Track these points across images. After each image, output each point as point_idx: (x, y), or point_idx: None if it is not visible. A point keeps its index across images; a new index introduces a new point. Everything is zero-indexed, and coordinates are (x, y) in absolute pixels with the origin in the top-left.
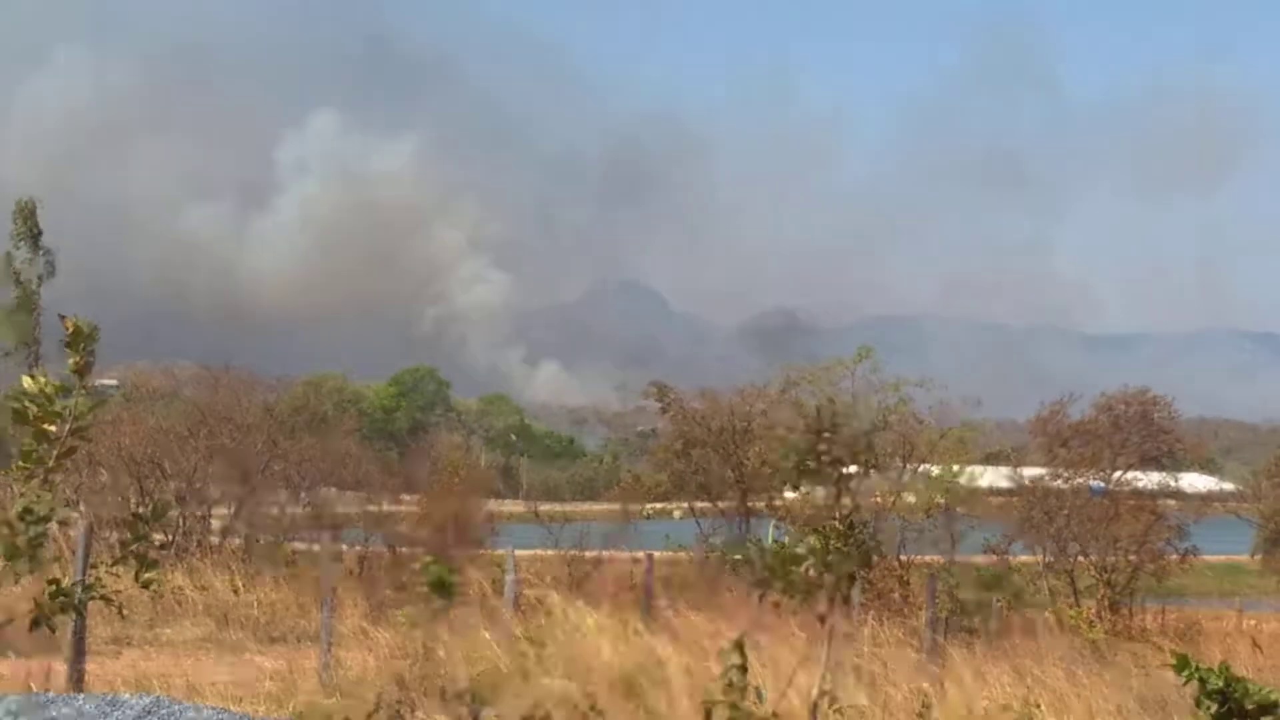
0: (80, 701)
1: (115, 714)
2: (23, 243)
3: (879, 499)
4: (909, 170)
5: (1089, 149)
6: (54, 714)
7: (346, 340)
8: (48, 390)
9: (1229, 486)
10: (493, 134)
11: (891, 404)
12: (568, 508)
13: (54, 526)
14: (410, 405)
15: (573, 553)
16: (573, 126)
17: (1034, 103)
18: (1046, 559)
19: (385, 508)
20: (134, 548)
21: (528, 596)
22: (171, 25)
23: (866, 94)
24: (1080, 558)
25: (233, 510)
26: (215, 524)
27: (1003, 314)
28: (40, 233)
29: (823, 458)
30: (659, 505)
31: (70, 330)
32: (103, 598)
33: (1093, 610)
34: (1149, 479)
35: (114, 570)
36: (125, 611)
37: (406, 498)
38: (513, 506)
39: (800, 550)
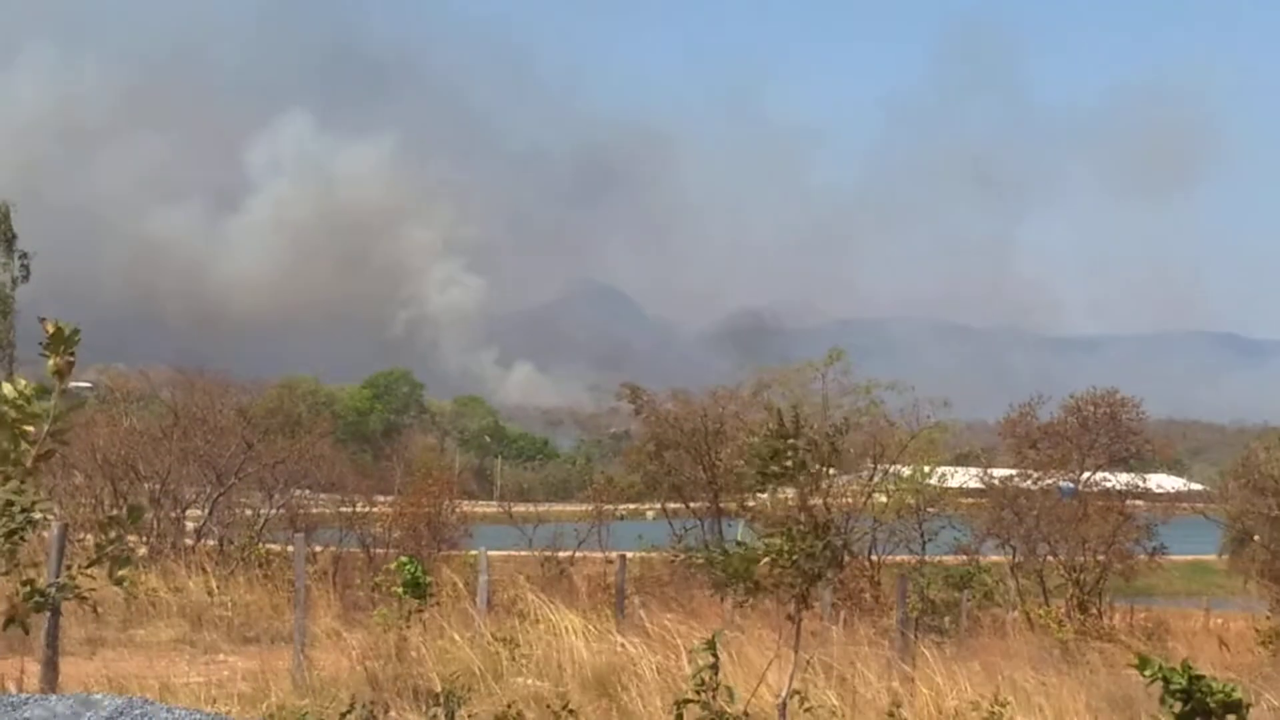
0: (53, 702)
1: (88, 715)
2: None
3: (850, 499)
4: (877, 173)
5: (1055, 152)
6: (27, 715)
7: (319, 342)
8: (26, 393)
9: (1197, 487)
10: (465, 136)
11: (863, 406)
12: (541, 509)
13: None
14: (384, 407)
15: (546, 553)
16: (545, 129)
17: (1001, 106)
18: (1016, 559)
19: (359, 509)
20: (109, 550)
21: (501, 597)
22: (141, 26)
23: (836, 97)
24: (1050, 558)
25: (207, 512)
26: (189, 526)
27: (969, 316)
28: (15, 236)
29: (788, 461)
30: (632, 506)
31: (50, 333)
32: (77, 597)
33: (1062, 610)
34: (1117, 480)
35: (88, 571)
36: (100, 610)
37: (380, 499)
38: (486, 508)
39: (764, 551)
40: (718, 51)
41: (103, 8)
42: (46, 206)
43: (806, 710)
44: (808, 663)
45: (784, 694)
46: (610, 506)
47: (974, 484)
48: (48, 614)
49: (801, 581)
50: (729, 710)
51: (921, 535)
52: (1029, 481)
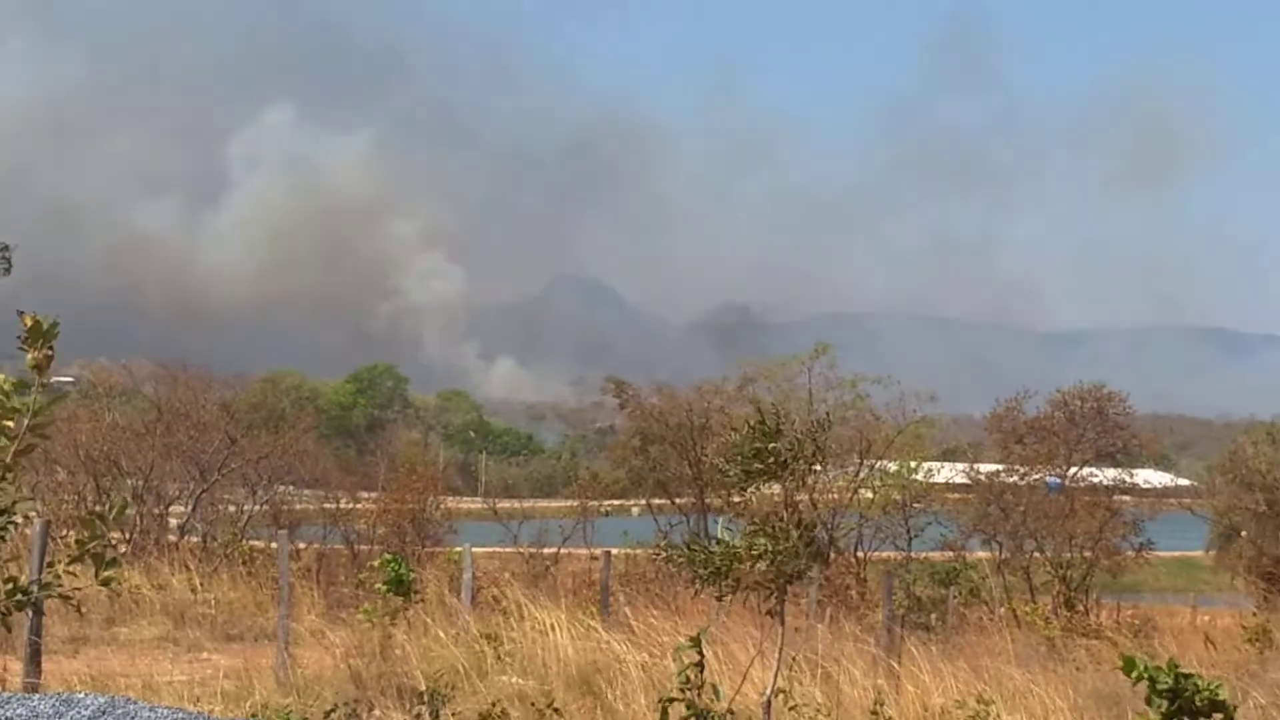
0: (35, 701)
1: (70, 713)
2: None
3: (836, 495)
4: (864, 167)
5: (1043, 146)
6: (9, 714)
7: (301, 335)
8: (5, 387)
9: (1184, 482)
10: (448, 130)
11: (848, 401)
12: (526, 505)
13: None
14: (368, 402)
15: (531, 550)
16: (529, 123)
17: (988, 101)
18: (1002, 555)
19: (343, 505)
20: (91, 547)
21: (486, 594)
22: (124, 19)
23: (822, 91)
24: (1036, 554)
25: (190, 508)
26: (173, 522)
27: (956, 311)
28: None
29: (770, 458)
30: (617, 502)
31: (29, 326)
32: (60, 596)
33: (1048, 606)
34: (1104, 475)
35: (71, 569)
36: (83, 609)
37: (364, 495)
38: (471, 504)
39: (746, 549)
40: (704, 45)
41: (85, 1)
42: (27, 199)
43: (791, 708)
44: (793, 660)
45: (769, 691)
46: (595, 503)
47: (960, 479)
48: (30, 612)
49: (784, 579)
50: (714, 708)
51: (908, 531)
52: (1015, 477)
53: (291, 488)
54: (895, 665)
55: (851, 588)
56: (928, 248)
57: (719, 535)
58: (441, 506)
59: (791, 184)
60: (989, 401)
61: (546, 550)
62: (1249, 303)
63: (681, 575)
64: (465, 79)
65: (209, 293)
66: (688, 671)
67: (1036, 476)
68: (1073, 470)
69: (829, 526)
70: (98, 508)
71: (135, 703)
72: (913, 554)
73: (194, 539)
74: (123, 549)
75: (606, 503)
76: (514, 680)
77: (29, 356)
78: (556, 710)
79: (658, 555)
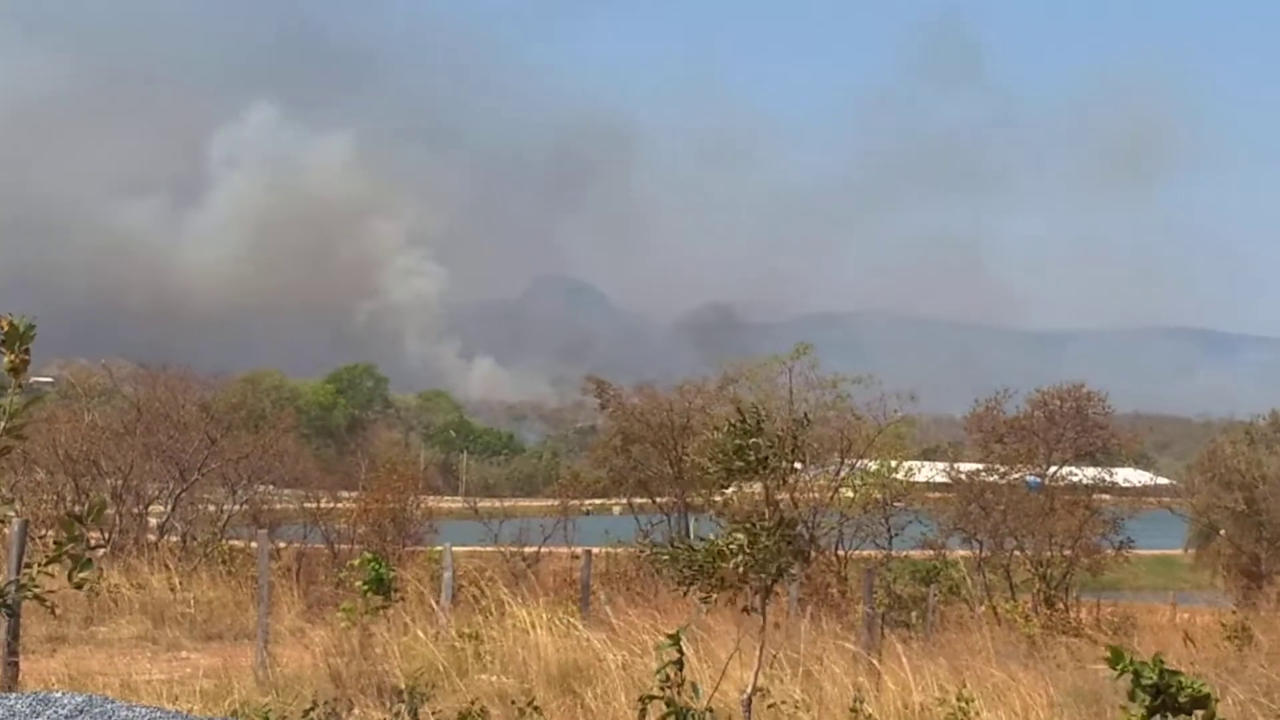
0: (12, 701)
1: (48, 713)
2: None
3: (817, 494)
4: (846, 167)
5: (1025, 148)
6: None
7: (282, 335)
8: None
9: (1163, 481)
10: (431, 129)
11: (829, 400)
12: (507, 504)
13: None
14: (348, 402)
15: (512, 549)
16: (512, 122)
17: (972, 100)
18: (983, 554)
19: (323, 504)
20: (69, 548)
21: (466, 593)
22: (105, 17)
23: (806, 90)
24: (1016, 552)
25: (170, 508)
26: (152, 521)
27: (938, 311)
28: None
29: (750, 456)
30: (598, 501)
31: (5, 328)
32: (36, 597)
33: (1028, 604)
34: (1084, 474)
35: (48, 570)
36: (59, 611)
37: (344, 495)
38: (451, 503)
39: (729, 546)
40: (687, 45)
41: (66, 1)
42: (7, 199)
43: (771, 706)
44: (774, 658)
45: (749, 689)
46: (576, 502)
47: (941, 478)
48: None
49: (765, 577)
50: (693, 706)
51: (888, 530)
52: (996, 476)
53: (271, 487)
54: (876, 663)
55: (832, 586)
56: (911, 248)
57: (695, 534)
58: (422, 506)
59: (775, 183)
60: (970, 401)
61: (527, 549)
62: (1232, 303)
63: (663, 574)
64: (448, 79)
65: (190, 292)
66: (667, 670)
67: (1016, 475)
68: (1052, 469)
69: (810, 525)
70: (76, 508)
71: (113, 702)
72: (893, 552)
73: (173, 538)
74: (101, 550)
75: (587, 502)
76: (494, 679)
77: (4, 360)
78: (536, 708)
79: (640, 554)
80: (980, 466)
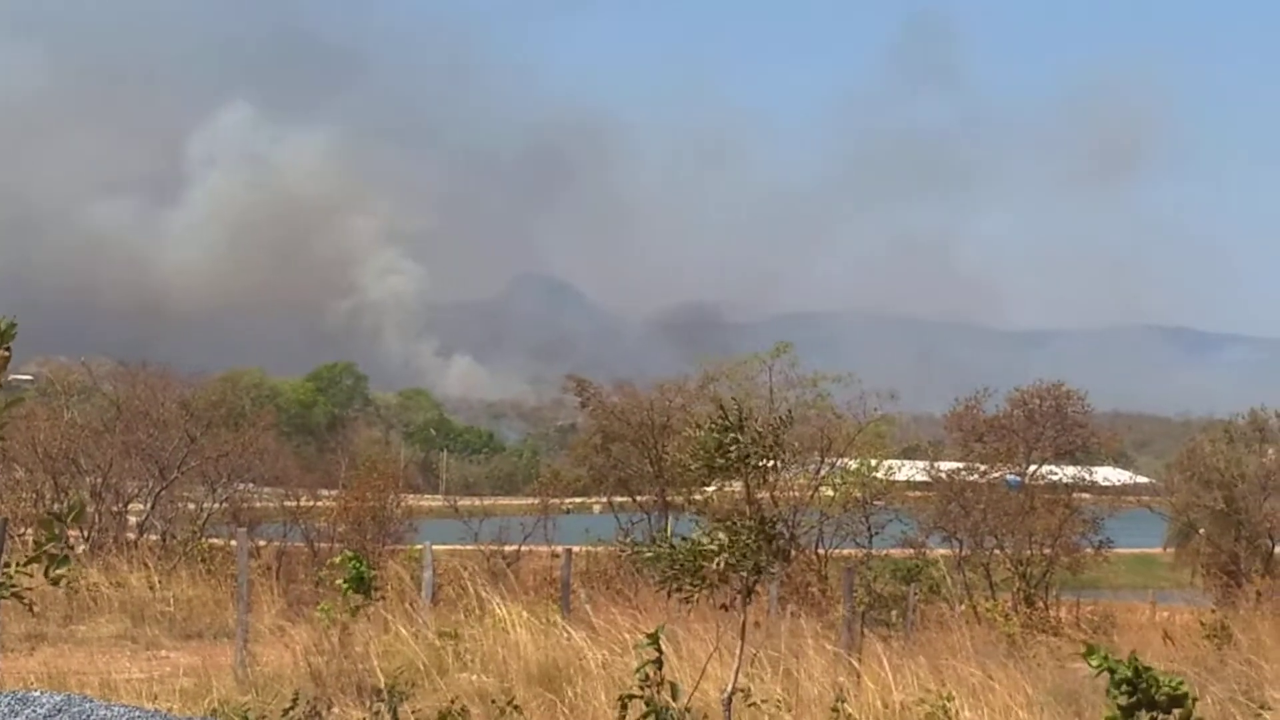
0: None
1: (26, 712)
2: None
3: (797, 493)
4: (825, 167)
5: (1003, 147)
6: None
7: (260, 333)
8: None
9: (1143, 480)
10: (409, 128)
11: (809, 399)
12: (487, 502)
13: None
14: (328, 400)
15: (492, 547)
16: (491, 121)
17: (950, 100)
18: (963, 552)
19: (303, 503)
20: (48, 547)
21: (447, 592)
22: (80, 16)
23: (784, 92)
24: (996, 551)
25: (149, 506)
26: (131, 520)
27: (918, 310)
28: None
29: (732, 453)
30: (578, 500)
31: None
32: (15, 595)
33: (1008, 603)
34: (1064, 473)
35: (27, 569)
36: (37, 609)
37: (324, 493)
38: (431, 502)
39: (710, 545)
40: (666, 44)
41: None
42: None
43: (751, 705)
44: (754, 657)
45: (729, 688)
46: (556, 500)
47: (921, 477)
48: None
49: (746, 576)
50: (673, 705)
51: (868, 528)
52: (975, 475)
53: (251, 486)
54: (855, 662)
55: (812, 585)
56: (890, 247)
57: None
58: (402, 504)
59: (754, 183)
60: (950, 400)
61: (508, 548)
62: (1211, 302)
63: (644, 573)
64: (427, 76)
65: (168, 290)
66: (646, 669)
67: (996, 474)
68: (1032, 468)
69: (790, 523)
70: (56, 506)
71: (91, 701)
72: (873, 551)
73: (153, 537)
74: (81, 547)
75: (568, 500)
76: (474, 677)
77: None
78: (516, 707)
79: (621, 553)
80: (960, 465)
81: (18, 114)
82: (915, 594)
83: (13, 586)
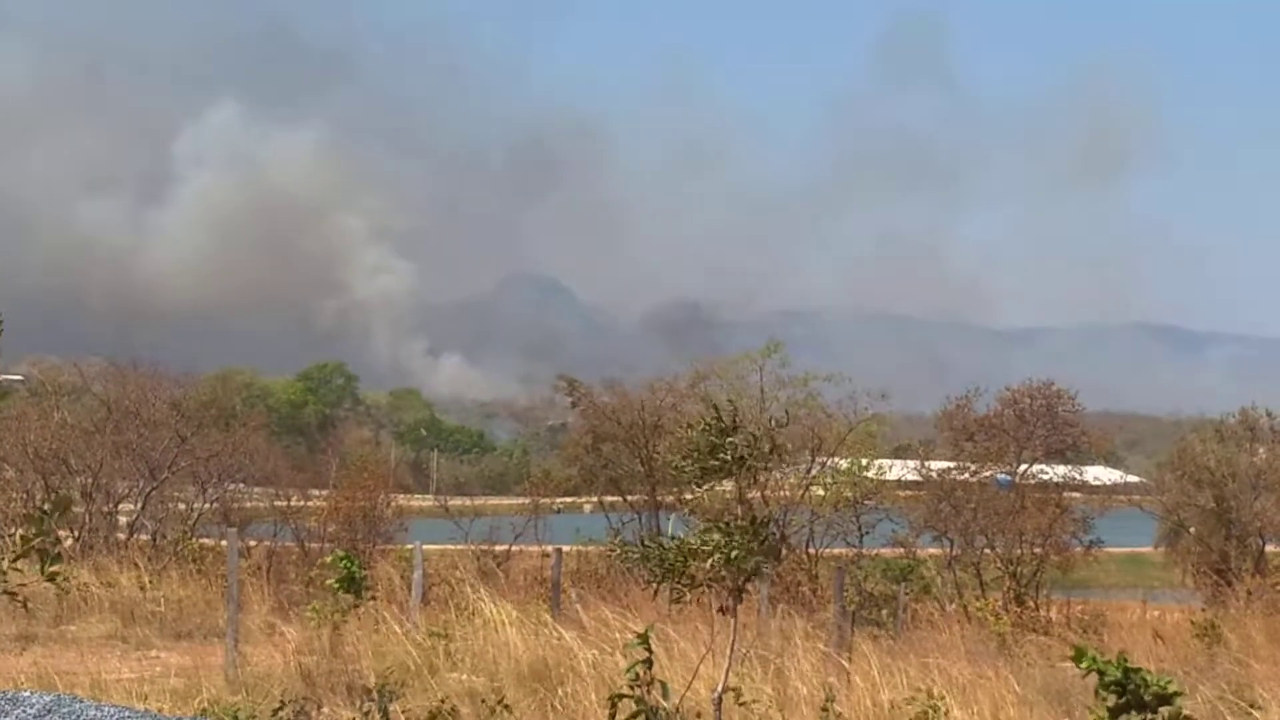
0: None
1: (16, 712)
2: None
3: (787, 492)
4: (815, 165)
5: (992, 145)
6: None
7: (249, 332)
8: None
9: (1133, 479)
10: (399, 127)
11: (800, 398)
12: (478, 502)
13: None
14: (318, 400)
15: (482, 547)
16: (481, 120)
17: (939, 98)
18: (953, 552)
19: (294, 503)
20: (36, 543)
21: (437, 591)
22: (67, 14)
23: (774, 90)
24: (987, 550)
25: (140, 506)
26: (122, 520)
27: (908, 308)
28: None
29: (725, 455)
30: (569, 499)
31: None
32: (6, 593)
33: (999, 603)
34: (1054, 472)
35: (17, 566)
36: (29, 606)
37: (315, 493)
38: (422, 501)
39: (702, 545)
40: (655, 43)
41: None
42: None
43: (742, 704)
44: (744, 656)
45: (719, 688)
46: (547, 500)
47: (911, 477)
48: None
49: (742, 576)
50: (663, 705)
51: (859, 528)
52: (966, 474)
53: (242, 485)
54: (846, 662)
55: (803, 584)
56: (880, 245)
57: (670, 533)
58: (393, 504)
59: (744, 181)
60: (940, 399)
61: (498, 547)
62: (1199, 300)
63: (634, 573)
64: (416, 75)
65: (156, 289)
66: (636, 669)
67: (987, 474)
68: (1023, 467)
69: (781, 523)
70: (46, 506)
71: (81, 701)
72: (864, 550)
73: (143, 537)
74: (68, 542)
75: (558, 500)
76: (464, 677)
77: None
78: (506, 707)
79: (611, 552)
80: (951, 465)
81: (3, 112)
82: (906, 593)
83: (4, 584)
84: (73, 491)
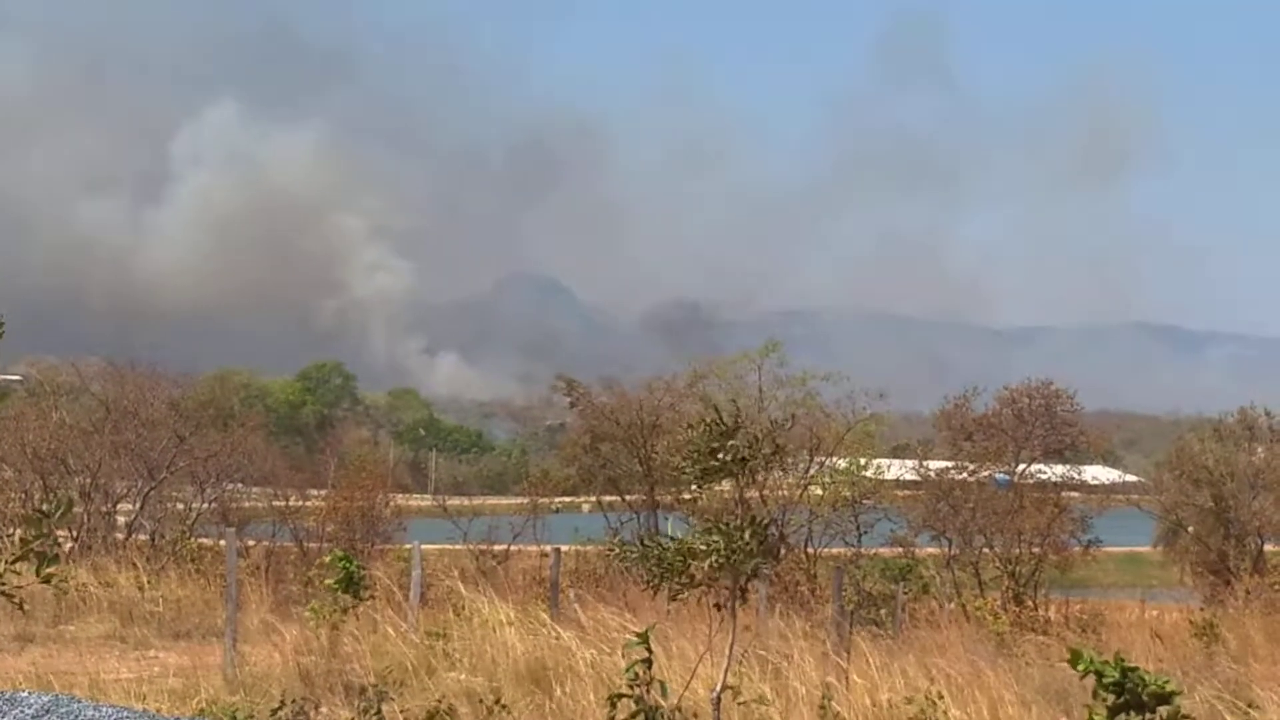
0: None
1: (14, 712)
2: None
3: (786, 492)
4: (815, 165)
5: (992, 145)
6: None
7: (247, 332)
8: None
9: (1132, 479)
10: (398, 127)
11: (798, 398)
12: (476, 502)
13: None
14: (317, 400)
15: (481, 547)
16: (480, 120)
17: (939, 98)
18: (952, 551)
19: (292, 503)
20: (35, 545)
21: (435, 591)
22: (66, 14)
23: (774, 90)
24: (985, 550)
25: (138, 506)
26: (120, 520)
27: (907, 308)
28: None
29: (727, 455)
30: (567, 499)
31: None
32: (4, 594)
33: (997, 602)
34: (1053, 472)
35: (15, 568)
36: (27, 608)
37: (313, 493)
38: (420, 501)
39: (702, 545)
40: (655, 43)
41: None
42: None
43: (741, 704)
44: (743, 656)
45: (718, 687)
46: (545, 499)
47: (910, 476)
48: None
49: (742, 576)
50: (662, 704)
51: (857, 528)
52: (965, 474)
53: (240, 485)
54: (843, 662)
55: (801, 584)
56: (879, 245)
57: (670, 533)
58: (391, 504)
59: (743, 181)
60: (939, 398)
61: (496, 547)
62: (1198, 300)
63: (632, 572)
64: (415, 75)
65: (155, 289)
66: (635, 668)
67: (985, 473)
68: (1021, 467)
69: (779, 523)
70: (45, 506)
71: (79, 701)
72: (863, 550)
73: (142, 537)
74: (69, 546)
75: (557, 499)
76: (462, 677)
77: None
78: (504, 707)
79: (610, 552)
80: (949, 464)
81: (2, 112)
82: (904, 593)
83: (2, 585)
84: (71, 491)
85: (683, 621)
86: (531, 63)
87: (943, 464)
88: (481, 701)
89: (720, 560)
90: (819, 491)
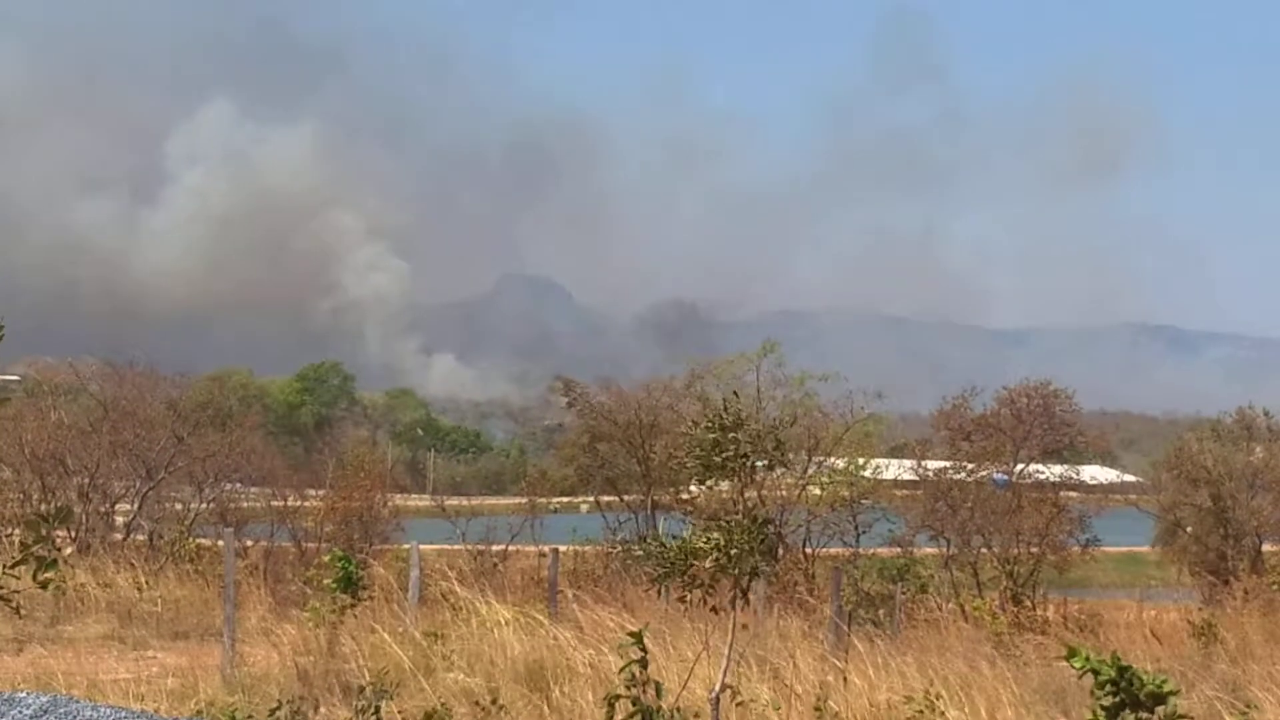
0: None
1: (12, 713)
2: None
3: (784, 492)
4: (809, 166)
5: (986, 145)
6: None
7: (243, 331)
8: None
9: (1130, 479)
10: (392, 127)
11: (796, 398)
12: (474, 502)
13: None
14: (315, 400)
15: (479, 547)
16: (475, 120)
17: (933, 98)
18: (950, 551)
19: (290, 503)
20: (34, 549)
21: (433, 591)
22: (60, 14)
23: (768, 90)
24: (984, 550)
25: (136, 506)
26: (119, 520)
27: (904, 308)
28: None
29: (728, 453)
30: (565, 499)
31: None
32: (0, 598)
33: (995, 602)
34: (1051, 471)
35: (13, 571)
36: (24, 610)
37: (312, 493)
38: (419, 501)
39: (702, 544)
40: (650, 42)
41: None
42: None
43: (739, 704)
44: (741, 656)
45: (717, 688)
46: (543, 500)
47: (908, 476)
48: None
49: (744, 576)
50: (660, 705)
51: (856, 528)
52: (963, 474)
53: (238, 486)
54: (840, 662)
55: (800, 584)
56: (875, 245)
57: (662, 533)
58: (389, 504)
59: (738, 181)
60: (937, 398)
61: (495, 547)
62: (1194, 300)
63: (631, 572)
64: (409, 74)
65: (151, 289)
66: (632, 669)
67: (984, 473)
68: (1020, 467)
69: (778, 523)
70: (43, 507)
71: (77, 702)
72: (861, 550)
73: (140, 537)
74: (68, 549)
75: (555, 500)
76: (460, 677)
77: None
78: (502, 707)
79: (609, 552)
80: (947, 464)
81: None
82: (903, 593)
83: (0, 587)
84: (69, 492)
85: (681, 621)
86: (527, 62)
87: (941, 464)
88: (479, 702)
89: (721, 560)
90: (817, 491)
